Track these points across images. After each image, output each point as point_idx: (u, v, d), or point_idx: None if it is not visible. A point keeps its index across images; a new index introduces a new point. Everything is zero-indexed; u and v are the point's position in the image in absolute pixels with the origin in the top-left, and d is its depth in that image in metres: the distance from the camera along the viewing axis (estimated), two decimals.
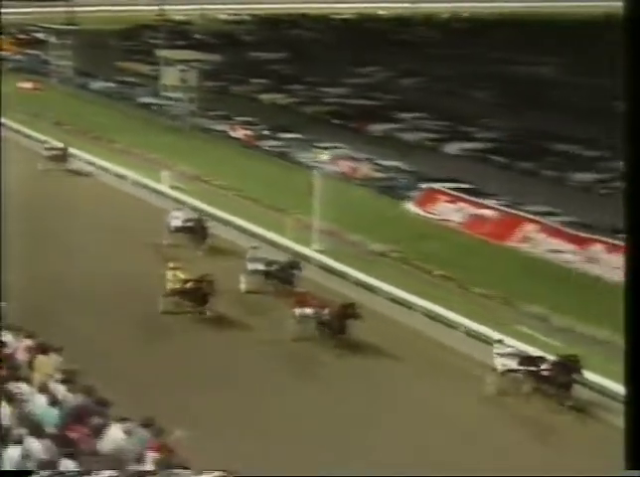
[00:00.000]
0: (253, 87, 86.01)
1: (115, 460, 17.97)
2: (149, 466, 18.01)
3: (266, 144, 67.79)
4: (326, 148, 54.16)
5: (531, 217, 50.28)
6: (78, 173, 57.86)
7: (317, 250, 45.10)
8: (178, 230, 46.57)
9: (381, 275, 42.01)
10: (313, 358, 36.54)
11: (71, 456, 17.50)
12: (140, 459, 18.33)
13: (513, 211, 51.31)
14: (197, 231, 46.51)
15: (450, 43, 76.43)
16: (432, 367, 35.92)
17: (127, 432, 19.40)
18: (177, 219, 46.90)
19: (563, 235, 48.15)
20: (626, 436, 17.92)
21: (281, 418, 31.30)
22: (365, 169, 59.93)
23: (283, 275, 41.67)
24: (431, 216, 53.20)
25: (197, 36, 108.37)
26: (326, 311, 37.44)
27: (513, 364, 34.24)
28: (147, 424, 19.86)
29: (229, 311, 38.93)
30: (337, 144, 60.59)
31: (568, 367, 33.45)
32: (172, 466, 18.09)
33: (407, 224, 51.63)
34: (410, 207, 54.69)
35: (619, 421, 27.49)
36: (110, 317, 38.00)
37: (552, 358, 33.95)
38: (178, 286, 38.76)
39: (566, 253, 47.09)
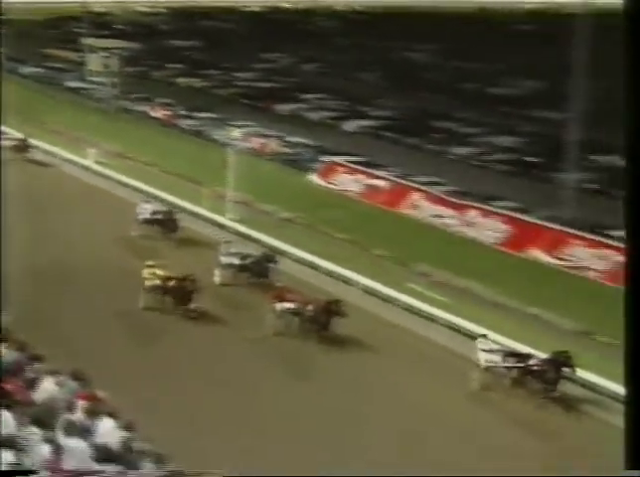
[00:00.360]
0: (171, 72, 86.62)
1: (48, 409, 17.54)
2: (79, 414, 17.59)
3: (184, 123, 68.81)
4: (238, 126, 54.30)
5: (417, 186, 51.68)
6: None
7: (232, 219, 45.80)
8: (147, 222, 44.30)
9: (289, 240, 42.86)
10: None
11: (8, 407, 16.95)
12: (71, 407, 17.90)
13: (402, 181, 52.59)
14: (166, 223, 44.16)
15: (346, 32, 77.67)
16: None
17: (59, 384, 18.99)
18: (145, 211, 44.57)
19: (445, 202, 49.67)
20: (626, 436, 16.19)
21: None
22: (273, 145, 61.01)
23: (258, 269, 39.39)
24: (332, 186, 54.47)
25: (118, 26, 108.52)
26: (310, 307, 34.98)
27: (497, 359, 32.02)
28: (76, 376, 19.33)
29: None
30: (248, 123, 61.18)
31: (558, 363, 31.22)
32: (100, 413, 17.62)
33: (311, 193, 52.75)
34: (314, 178, 55.86)
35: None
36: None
37: (540, 354, 31.68)
38: (158, 283, 36.12)
39: (447, 218, 48.60)
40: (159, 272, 36.26)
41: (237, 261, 39.46)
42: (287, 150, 60.13)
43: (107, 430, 17.40)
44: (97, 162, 55.13)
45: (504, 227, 46.60)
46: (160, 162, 55.51)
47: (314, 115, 69.94)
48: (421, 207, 50.37)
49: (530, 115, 57.57)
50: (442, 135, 61.53)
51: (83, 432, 16.77)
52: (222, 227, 44.95)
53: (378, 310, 37.17)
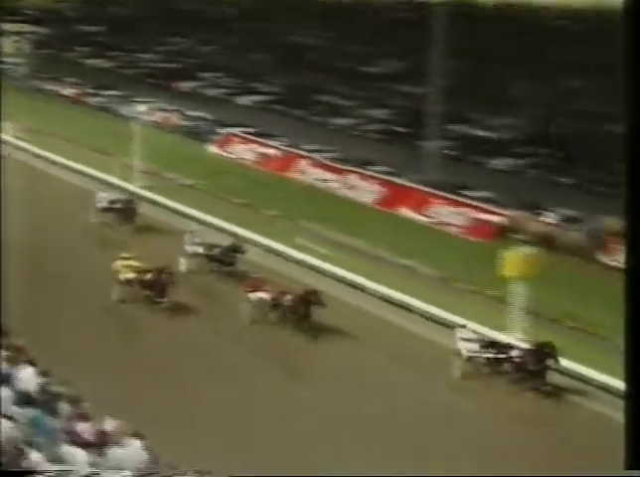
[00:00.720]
0: (79, 54, 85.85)
1: None
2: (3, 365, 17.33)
3: (92, 100, 69.05)
4: (142, 102, 54.83)
5: (304, 154, 53.13)
6: None
7: (139, 186, 46.51)
8: (105, 210, 42.25)
9: (191, 204, 43.82)
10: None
11: None
12: None
13: (291, 149, 53.92)
14: (125, 211, 42.04)
15: (241, 18, 78.18)
16: None
17: None
18: (103, 200, 42.47)
19: (328, 167, 51.22)
20: (626, 436, 15.34)
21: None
22: (174, 118, 61.79)
23: (225, 258, 37.14)
24: (229, 155, 55.56)
25: (28, 12, 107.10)
26: (288, 297, 32.69)
27: (477, 348, 29.95)
28: None
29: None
30: (151, 99, 61.22)
31: (542, 354, 29.09)
32: (20, 362, 17.20)
33: (210, 162, 53.65)
34: (212, 148, 56.80)
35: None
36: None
37: (523, 345, 29.86)
38: (133, 275, 33.69)
39: (330, 182, 50.16)
40: (133, 265, 33.98)
41: (202, 251, 37.47)
42: (187, 123, 60.80)
43: (27, 377, 17.23)
44: (15, 137, 55.37)
45: (378, 188, 48.23)
46: (72, 136, 55.70)
47: (211, 92, 70.48)
48: (307, 172, 51.76)
49: (398, 90, 58.99)
50: (324, 108, 62.79)
51: (6, 379, 16.63)
52: (132, 194, 45.21)
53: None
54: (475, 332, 30.55)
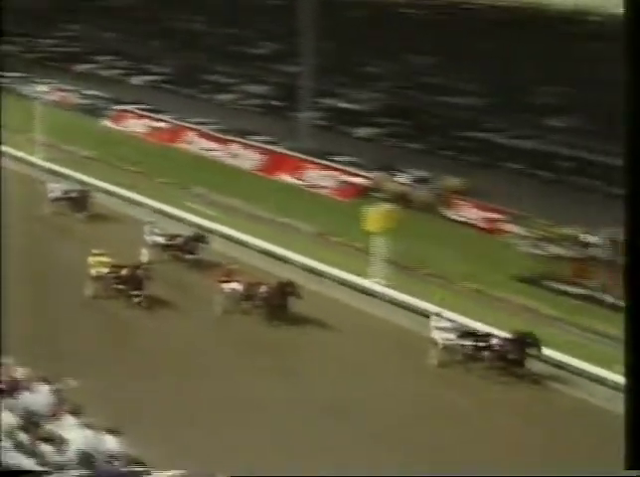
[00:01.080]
0: None
1: None
2: None
3: None
4: (43, 83, 53.93)
5: (191, 126, 53.27)
6: None
7: (42, 158, 46.08)
8: (58, 200, 39.65)
9: (90, 173, 43.47)
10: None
11: None
12: None
13: (179, 123, 54.03)
14: (78, 201, 39.38)
15: (138, 7, 77.49)
16: None
17: None
18: (56, 190, 39.98)
19: (213, 138, 51.47)
20: (626, 436, 14.40)
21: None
22: (73, 97, 60.93)
23: (188, 248, 34.67)
24: (123, 129, 55.27)
25: None
26: (263, 288, 30.21)
27: (453, 337, 27.99)
28: None
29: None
30: (52, 80, 60.34)
31: (523, 343, 27.37)
32: None
33: (106, 136, 53.09)
34: (107, 123, 56.43)
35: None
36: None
37: (503, 334, 27.83)
38: (107, 271, 31.04)
39: (216, 151, 50.43)
40: (105, 260, 31.31)
41: (164, 241, 35.02)
42: (84, 101, 60.19)
43: None
44: None
45: (258, 156, 48.67)
46: None
47: (106, 73, 69.80)
48: (195, 142, 51.86)
49: (275, 69, 59.63)
50: (210, 86, 62.87)
51: None
52: (34, 165, 45.04)
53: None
54: (450, 320, 28.52)
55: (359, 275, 32.64)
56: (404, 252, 33.10)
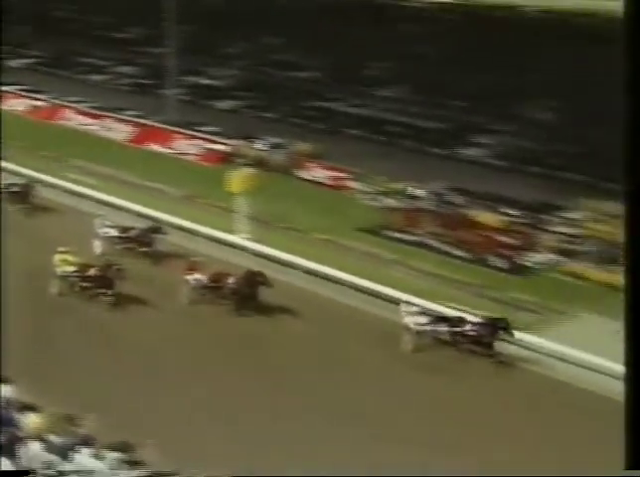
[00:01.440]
0: None
1: None
2: None
3: None
4: None
5: (68, 104, 52.78)
6: None
7: None
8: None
9: None
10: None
11: None
12: None
13: (57, 101, 53.36)
14: (20, 195, 36.85)
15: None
16: None
17: None
18: None
19: (88, 114, 51.16)
20: (626, 436, 13.07)
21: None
22: None
23: (144, 239, 32.08)
24: (7, 108, 53.33)
25: None
26: (231, 280, 28.12)
27: (425, 322, 26.65)
28: None
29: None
30: None
31: (495, 327, 26.18)
32: None
33: None
34: None
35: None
36: None
37: (475, 319, 26.71)
38: (74, 270, 28.50)
39: (91, 126, 49.97)
40: (73, 259, 28.76)
41: (117, 233, 32.40)
42: None
43: None
44: None
45: (131, 129, 48.74)
46: None
47: None
48: (72, 119, 51.51)
49: (143, 51, 58.97)
50: (85, 68, 62.00)
51: None
52: None
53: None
54: (420, 306, 27.24)
55: (225, 232, 33.40)
56: (264, 210, 33.95)
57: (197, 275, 28.44)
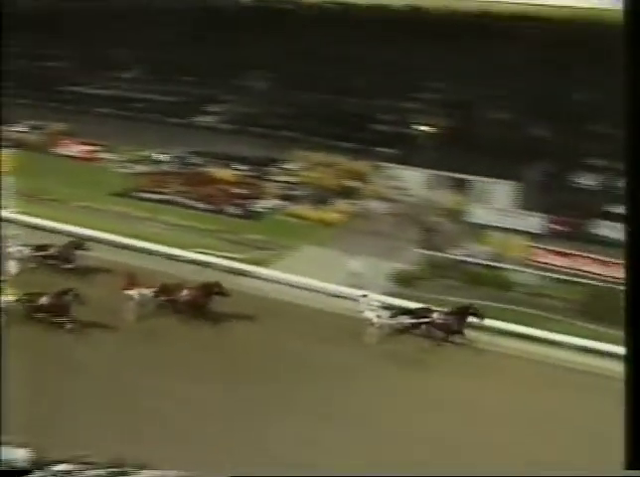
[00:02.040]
0: None
1: None
2: None
3: None
4: None
5: None
6: None
7: None
8: None
9: None
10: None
11: None
12: None
13: None
14: None
15: None
16: None
17: None
18: None
19: None
20: (626, 436, 12.34)
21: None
22: None
23: (64, 256, 27.54)
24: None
25: None
26: (185, 292, 24.50)
27: (389, 315, 24.49)
28: None
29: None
30: None
31: (465, 315, 24.28)
32: None
33: None
34: None
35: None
36: None
37: (443, 309, 24.70)
38: (16, 300, 23.62)
39: None
40: (14, 290, 23.99)
41: (32, 252, 27.70)
42: None
43: None
44: None
45: None
46: None
47: None
48: None
49: None
50: None
51: None
52: None
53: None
54: (378, 300, 24.98)
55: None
56: (29, 185, 32.42)
57: (141, 290, 24.45)
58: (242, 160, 36.22)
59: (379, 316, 24.32)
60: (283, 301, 25.88)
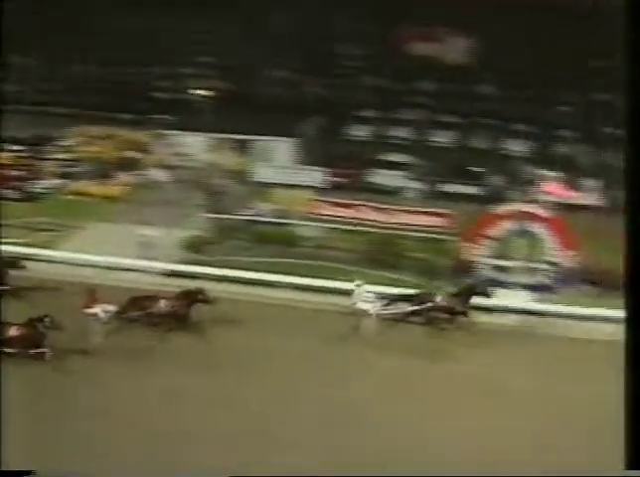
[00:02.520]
0: None
1: None
2: None
3: None
4: None
5: None
6: None
7: None
8: None
9: None
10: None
11: None
12: None
13: None
14: None
15: None
16: None
17: None
18: None
19: None
20: (626, 436, 11.97)
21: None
22: None
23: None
24: None
25: None
26: (163, 303, 22.05)
27: (384, 304, 22.69)
28: None
29: None
30: None
31: (469, 295, 22.78)
32: None
33: None
34: None
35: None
36: None
37: (446, 291, 23.19)
38: None
39: None
40: None
41: None
42: None
43: None
44: None
45: None
46: None
47: None
48: None
49: None
50: None
51: None
52: None
53: None
54: (370, 291, 22.86)
55: None
56: None
57: (105, 307, 21.62)
58: (15, 141, 33.92)
59: (374, 307, 22.53)
60: (75, 282, 23.40)
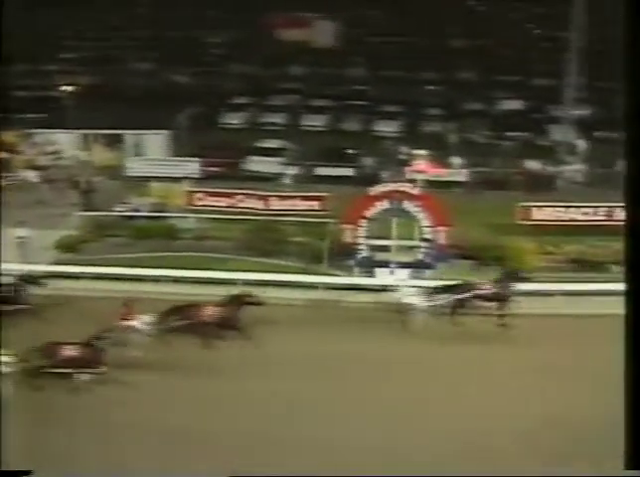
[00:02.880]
0: None
1: None
2: None
3: None
4: None
5: None
6: None
7: None
8: None
9: None
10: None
11: None
12: None
13: None
14: None
15: None
16: None
17: None
18: None
19: None
20: (626, 436, 11.76)
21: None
22: None
23: (12, 297, 21.81)
24: None
25: None
26: (210, 310, 20.80)
27: (432, 296, 21.93)
28: None
29: None
30: None
31: (511, 278, 22.15)
32: None
33: None
34: None
35: None
36: None
37: (488, 277, 22.43)
38: (25, 356, 18.37)
39: None
40: (12, 352, 18.36)
41: None
42: None
43: None
44: None
45: None
46: None
47: None
48: None
49: None
50: None
51: None
52: None
53: None
54: (413, 286, 22.43)
55: None
56: None
57: (143, 318, 20.44)
58: None
59: (422, 300, 22.07)
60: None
